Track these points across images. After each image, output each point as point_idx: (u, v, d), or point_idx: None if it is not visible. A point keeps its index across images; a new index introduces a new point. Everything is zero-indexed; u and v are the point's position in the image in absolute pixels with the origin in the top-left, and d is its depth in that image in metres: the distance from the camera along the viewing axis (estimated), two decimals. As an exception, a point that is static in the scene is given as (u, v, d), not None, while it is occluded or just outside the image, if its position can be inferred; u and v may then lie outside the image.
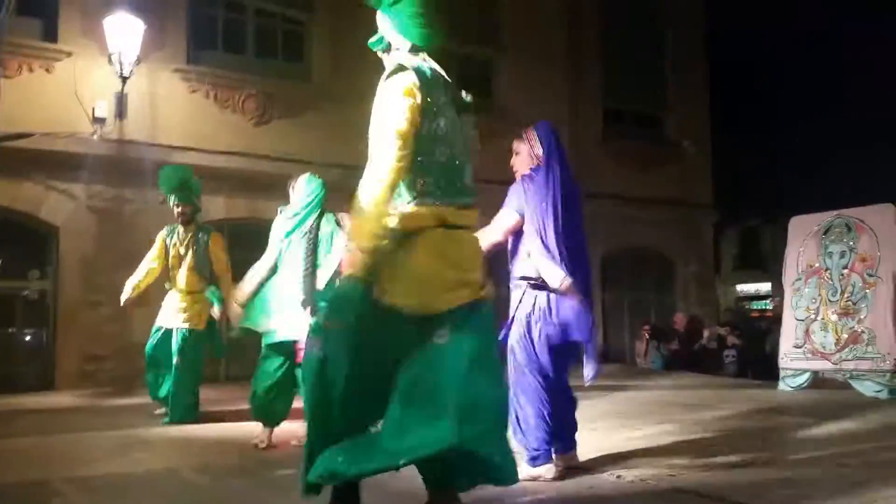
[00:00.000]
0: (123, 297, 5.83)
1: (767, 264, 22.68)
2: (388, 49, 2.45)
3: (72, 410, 6.46)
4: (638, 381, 7.96)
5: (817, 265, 7.07)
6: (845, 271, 6.84)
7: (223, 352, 6.66)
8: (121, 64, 8.05)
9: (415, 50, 2.40)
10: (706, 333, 10.73)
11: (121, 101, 8.30)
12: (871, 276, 6.63)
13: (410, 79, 2.26)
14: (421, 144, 2.26)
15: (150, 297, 8.37)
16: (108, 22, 8.03)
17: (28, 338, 8.53)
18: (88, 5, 8.24)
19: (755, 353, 10.26)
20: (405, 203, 2.29)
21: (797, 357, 7.04)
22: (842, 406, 5.69)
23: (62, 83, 8.08)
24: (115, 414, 6.17)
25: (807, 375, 6.95)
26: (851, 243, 6.85)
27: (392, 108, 2.25)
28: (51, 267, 8.27)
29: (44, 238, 8.24)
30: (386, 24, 2.42)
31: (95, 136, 8.16)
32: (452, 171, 2.35)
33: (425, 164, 2.28)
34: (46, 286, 8.29)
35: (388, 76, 2.31)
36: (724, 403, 6.03)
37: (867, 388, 6.41)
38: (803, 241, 7.26)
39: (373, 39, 2.46)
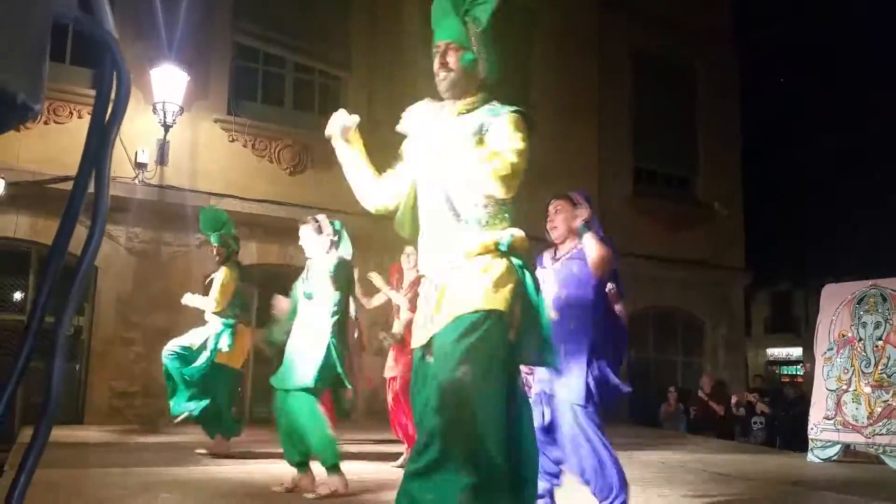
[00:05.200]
0: None
1: (799, 329, 22.31)
2: (469, 67, 2.41)
3: (99, 445, 6.55)
4: (662, 445, 7.84)
5: (850, 335, 6.93)
6: (880, 343, 6.68)
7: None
8: (164, 113, 8.34)
9: (484, 86, 2.46)
10: (734, 399, 10.54)
11: (163, 148, 8.58)
12: (906, 348, 6.50)
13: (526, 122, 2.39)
14: None
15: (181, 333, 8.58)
16: (154, 73, 8.34)
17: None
18: (136, 56, 8.56)
19: (785, 421, 10.05)
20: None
21: (828, 428, 6.88)
22: (875, 484, 5.54)
23: (108, 129, 8.37)
24: (142, 451, 6.23)
25: (837, 448, 6.78)
26: (887, 314, 6.69)
27: (517, 138, 2.32)
28: (88, 304, 8.45)
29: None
30: (481, 48, 2.40)
31: (137, 181, 8.43)
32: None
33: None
34: (82, 322, 8.46)
35: (510, 111, 2.37)
36: (750, 472, 5.91)
37: (901, 465, 6.24)
38: (836, 309, 7.14)
39: (466, 53, 2.41)
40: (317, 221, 4.80)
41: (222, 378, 5.94)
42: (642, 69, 12.47)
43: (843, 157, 18.10)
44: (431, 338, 2.33)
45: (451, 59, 2.42)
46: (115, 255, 8.47)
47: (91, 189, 0.66)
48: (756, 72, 15.93)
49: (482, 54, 2.40)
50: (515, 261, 2.33)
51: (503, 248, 2.31)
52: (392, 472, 5.09)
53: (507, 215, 2.39)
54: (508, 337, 2.24)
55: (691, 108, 13.13)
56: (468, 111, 2.43)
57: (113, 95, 0.67)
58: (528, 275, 2.33)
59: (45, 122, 8.10)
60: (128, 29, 8.65)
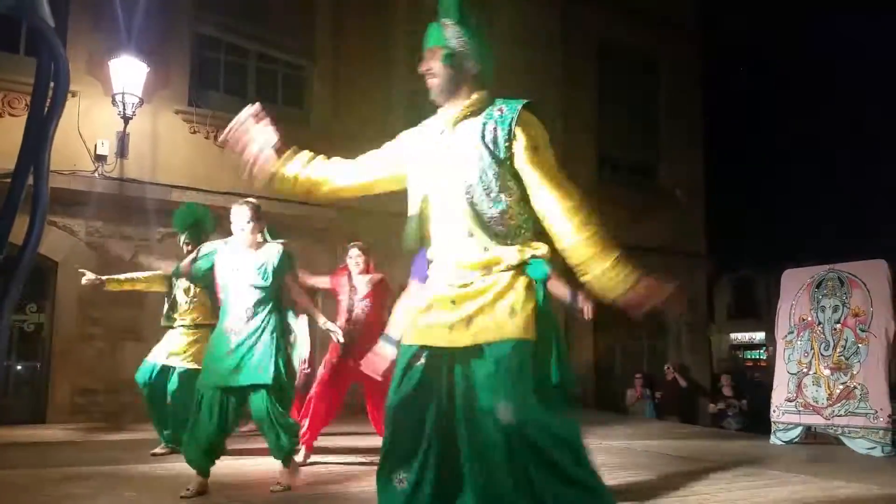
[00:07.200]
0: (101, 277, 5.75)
1: (761, 313, 22.70)
2: (453, 64, 2.32)
3: (62, 444, 6.43)
4: (629, 430, 7.94)
5: (810, 319, 7.09)
6: (838, 326, 6.85)
7: None
8: (124, 104, 8.18)
9: (477, 83, 2.36)
10: (711, 407, 10.71)
11: (122, 141, 8.42)
12: (863, 331, 6.65)
13: None
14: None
15: (144, 333, 8.44)
16: (113, 64, 8.17)
17: (21, 370, 8.50)
18: (94, 46, 8.39)
19: (749, 405, 10.24)
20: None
21: (789, 411, 7.04)
22: (835, 464, 5.67)
23: (65, 121, 8.11)
24: (105, 449, 6.11)
25: (799, 430, 6.93)
26: (844, 298, 6.86)
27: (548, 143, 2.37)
28: (48, 301, 8.27)
29: (43, 273, 8.25)
30: (459, 41, 2.32)
31: (97, 174, 8.26)
32: None
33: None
34: (43, 319, 8.29)
35: (526, 107, 2.35)
36: (715, 456, 6.01)
37: (859, 446, 6.39)
38: (796, 294, 7.29)
39: (444, 51, 2.32)
40: (258, 209, 4.32)
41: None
42: (607, 58, 12.53)
43: (803, 145, 18.45)
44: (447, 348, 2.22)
45: (433, 63, 2.33)
46: (75, 250, 8.29)
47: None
48: (719, 61, 16.14)
49: (464, 49, 2.31)
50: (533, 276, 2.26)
51: (530, 272, 2.24)
52: (353, 466, 5.07)
53: (527, 225, 2.32)
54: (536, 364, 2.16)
55: (655, 98, 13.26)
56: (466, 117, 2.32)
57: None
58: (541, 292, 2.24)
59: (0, 115, 7.90)
60: (85, 18, 8.47)
